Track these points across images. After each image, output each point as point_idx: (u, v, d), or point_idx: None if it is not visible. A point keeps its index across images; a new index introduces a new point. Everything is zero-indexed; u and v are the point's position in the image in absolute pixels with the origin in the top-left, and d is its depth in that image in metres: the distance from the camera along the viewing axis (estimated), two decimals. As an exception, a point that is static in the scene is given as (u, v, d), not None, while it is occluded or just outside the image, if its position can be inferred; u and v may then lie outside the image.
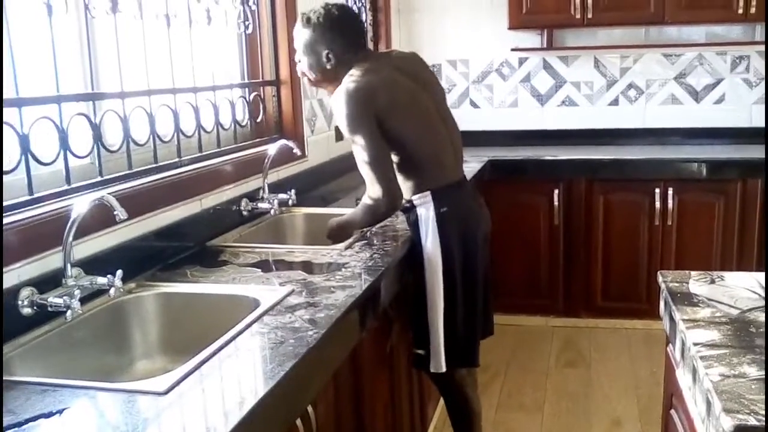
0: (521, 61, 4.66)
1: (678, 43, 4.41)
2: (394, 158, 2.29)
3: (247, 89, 2.98)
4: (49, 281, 1.66)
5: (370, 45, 4.22)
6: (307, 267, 2.11)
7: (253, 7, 2.96)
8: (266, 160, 2.70)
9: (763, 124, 4.24)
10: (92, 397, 1.31)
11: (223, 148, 2.68)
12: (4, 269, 1.55)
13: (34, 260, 1.65)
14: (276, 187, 2.79)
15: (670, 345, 1.70)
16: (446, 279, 2.29)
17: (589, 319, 4.20)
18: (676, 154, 4.15)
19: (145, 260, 2.06)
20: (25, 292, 1.61)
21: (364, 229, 2.49)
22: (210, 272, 2.07)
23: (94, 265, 1.79)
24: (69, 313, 1.61)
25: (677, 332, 1.56)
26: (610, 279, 4.15)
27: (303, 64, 2.37)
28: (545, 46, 4.52)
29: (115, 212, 1.66)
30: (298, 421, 1.49)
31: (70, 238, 1.66)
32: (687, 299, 1.66)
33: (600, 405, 3.31)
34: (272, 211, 2.71)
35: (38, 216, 1.71)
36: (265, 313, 1.70)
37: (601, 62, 4.56)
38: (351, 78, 2.23)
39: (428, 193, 2.32)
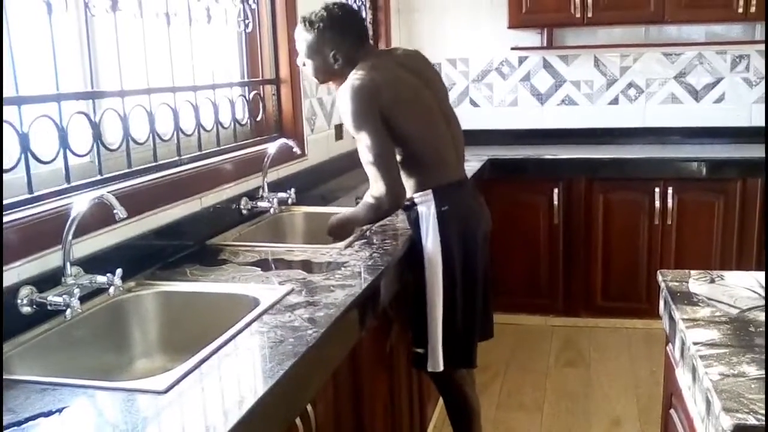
0: (521, 60, 4.66)
1: (678, 43, 4.41)
2: (397, 156, 2.28)
3: (246, 88, 2.97)
4: (49, 280, 1.66)
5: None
6: (307, 266, 2.11)
7: (253, 6, 2.96)
8: (266, 159, 2.70)
9: (763, 124, 4.24)
10: (92, 396, 1.31)
11: (222, 147, 2.68)
12: (4, 268, 1.55)
13: (33, 259, 1.65)
14: (276, 186, 2.79)
15: (670, 344, 1.70)
16: (446, 278, 2.29)
17: (589, 318, 4.20)
18: (676, 153, 4.15)
19: (144, 259, 2.06)
20: (25, 291, 1.61)
21: (365, 228, 2.49)
22: (209, 271, 2.07)
23: (93, 263, 1.79)
24: (68, 311, 1.61)
25: (677, 331, 1.56)
26: (610, 278, 4.15)
27: (308, 67, 2.36)
28: (545, 45, 4.52)
29: (115, 211, 1.66)
30: (298, 420, 1.49)
31: (70, 237, 1.66)
32: (687, 298, 1.66)
33: (600, 404, 3.31)
34: (272, 210, 2.71)
35: (38, 214, 1.71)
36: (265, 312, 1.70)
37: (601, 61, 4.56)
38: (356, 75, 2.22)
39: (429, 191, 2.31)
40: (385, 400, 2.26)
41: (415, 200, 2.33)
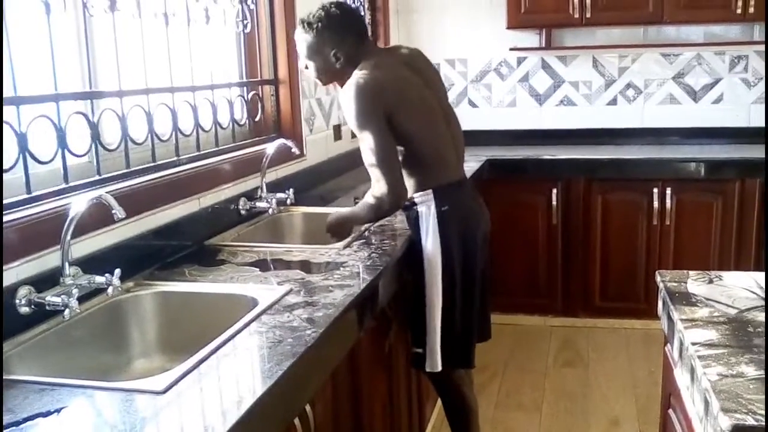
0: (520, 61, 4.66)
1: (676, 43, 4.42)
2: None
3: (245, 88, 2.97)
4: (47, 280, 1.66)
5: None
6: (306, 266, 2.11)
7: (252, 6, 2.96)
8: (264, 159, 2.70)
9: (761, 124, 4.25)
10: (90, 396, 1.31)
11: (221, 147, 2.68)
12: (3, 268, 1.55)
13: (32, 259, 1.65)
14: (274, 186, 2.79)
15: (668, 345, 1.70)
16: (445, 278, 2.29)
17: (588, 318, 4.20)
18: (675, 153, 4.15)
19: (143, 259, 2.06)
20: (23, 291, 1.60)
21: (363, 228, 2.49)
22: (208, 271, 2.07)
23: (92, 263, 1.78)
24: (67, 312, 1.61)
25: (675, 332, 1.56)
26: (609, 278, 4.15)
27: (311, 69, 2.35)
28: (544, 45, 4.52)
29: (113, 211, 1.66)
30: (296, 421, 1.49)
31: (68, 237, 1.66)
32: (685, 299, 1.66)
33: (598, 405, 3.32)
34: (270, 211, 2.71)
35: (36, 215, 1.71)
36: (263, 312, 1.69)
37: (600, 62, 4.56)
38: (360, 73, 2.21)
39: (430, 191, 2.31)
40: (383, 400, 2.26)
41: (415, 200, 2.32)
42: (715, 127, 4.44)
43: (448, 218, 2.30)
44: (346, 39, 2.28)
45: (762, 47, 4.24)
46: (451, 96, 4.68)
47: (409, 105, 2.26)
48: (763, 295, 1.66)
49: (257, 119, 3.03)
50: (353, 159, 3.80)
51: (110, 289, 1.71)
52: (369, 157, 2.20)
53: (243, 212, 2.64)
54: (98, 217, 1.79)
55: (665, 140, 4.49)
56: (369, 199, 2.25)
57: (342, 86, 2.45)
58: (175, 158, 2.39)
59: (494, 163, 4.11)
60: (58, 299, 1.61)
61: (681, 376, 1.52)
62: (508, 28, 4.34)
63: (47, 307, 1.61)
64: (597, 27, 4.39)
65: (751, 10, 3.94)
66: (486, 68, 4.72)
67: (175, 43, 2.40)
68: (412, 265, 2.32)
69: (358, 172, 3.69)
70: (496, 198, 3.82)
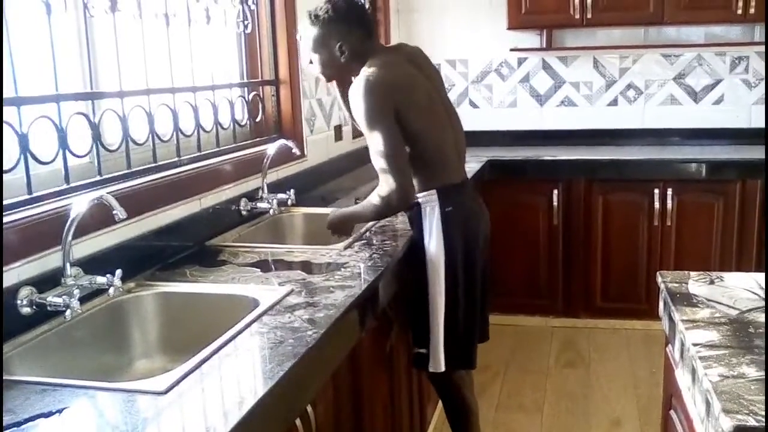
0: (520, 61, 4.66)
1: (677, 44, 4.42)
2: None
3: (246, 89, 2.97)
4: (49, 281, 1.66)
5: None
6: (307, 267, 2.11)
7: (253, 7, 2.96)
8: (265, 160, 2.70)
9: (762, 125, 4.25)
10: (91, 396, 1.31)
11: (222, 148, 2.68)
12: (4, 268, 1.55)
13: (33, 259, 1.65)
14: (275, 187, 2.79)
15: (670, 345, 1.70)
16: (448, 278, 2.29)
17: (589, 319, 4.20)
18: (675, 154, 4.15)
19: (144, 260, 2.06)
20: (25, 292, 1.61)
21: (364, 228, 2.48)
22: (209, 272, 2.07)
23: (93, 264, 1.79)
24: (68, 312, 1.61)
25: (676, 332, 1.56)
26: (610, 279, 4.15)
27: (315, 63, 2.35)
28: (544, 46, 4.52)
29: (114, 212, 1.66)
30: (298, 421, 1.49)
31: (70, 238, 1.66)
32: (686, 300, 1.66)
33: (599, 405, 3.31)
34: (271, 211, 2.71)
35: (37, 215, 1.71)
36: (265, 312, 1.70)
37: (600, 62, 4.56)
38: (371, 70, 2.20)
39: (434, 191, 2.30)
40: (384, 401, 2.26)
41: (420, 200, 2.32)
42: (715, 127, 4.44)
43: (451, 219, 2.29)
44: (353, 32, 2.27)
45: (762, 48, 4.23)
46: (452, 96, 4.68)
47: (417, 104, 2.25)
48: (764, 295, 1.66)
49: (258, 120, 3.03)
50: (354, 160, 3.82)
51: (111, 290, 1.71)
52: (378, 155, 2.19)
53: (244, 213, 2.64)
54: (99, 218, 1.79)
55: (666, 141, 4.49)
56: (375, 197, 2.24)
57: (340, 84, 2.46)
58: (176, 159, 2.39)
59: (495, 163, 4.11)
60: (59, 300, 1.61)
61: (682, 377, 1.52)
62: (509, 28, 4.34)
63: (48, 308, 1.62)
64: (598, 28, 4.39)
65: (752, 10, 3.94)
66: (487, 69, 4.72)
67: (175, 43, 2.40)
68: (413, 266, 2.32)
69: (359, 173, 3.70)
70: (497, 199, 3.82)
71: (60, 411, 1.25)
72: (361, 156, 3.77)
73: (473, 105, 4.75)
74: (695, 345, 1.40)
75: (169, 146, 2.37)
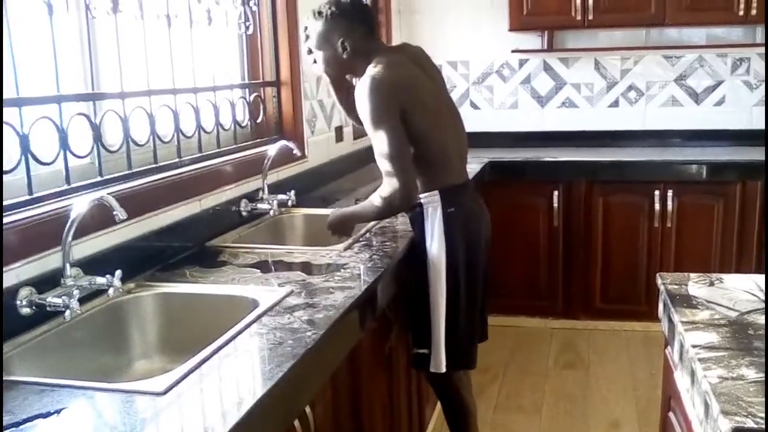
0: (521, 63, 4.66)
1: (678, 45, 4.42)
2: None
3: (247, 90, 2.98)
4: (48, 281, 1.66)
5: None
6: (306, 268, 2.11)
7: (254, 8, 2.96)
8: (266, 161, 2.70)
9: (763, 127, 4.25)
10: (90, 397, 1.31)
11: (223, 149, 2.69)
12: (3, 269, 1.55)
13: (33, 260, 1.65)
14: (275, 188, 2.79)
15: (669, 347, 1.70)
16: (449, 279, 2.29)
17: (588, 320, 4.19)
18: (676, 156, 4.15)
19: (144, 260, 2.06)
20: (24, 292, 1.61)
21: (364, 229, 2.49)
22: (209, 273, 2.07)
23: (93, 265, 1.79)
24: (68, 313, 1.61)
25: (676, 334, 1.56)
26: (609, 281, 4.15)
27: (318, 60, 2.35)
28: (546, 47, 4.52)
29: (115, 212, 1.66)
30: (296, 422, 1.50)
31: (70, 238, 1.66)
32: (686, 301, 1.66)
33: (598, 407, 3.31)
34: (272, 212, 2.71)
35: (38, 216, 1.71)
36: (264, 313, 1.70)
37: (602, 64, 4.56)
38: (376, 69, 2.19)
39: (436, 192, 2.30)
40: (383, 402, 2.26)
41: (422, 201, 2.32)
42: (716, 129, 4.44)
43: (453, 220, 2.30)
44: (355, 29, 2.28)
45: (763, 49, 4.23)
46: (453, 98, 4.63)
47: (422, 105, 2.25)
48: (764, 297, 1.66)
49: (259, 121, 3.03)
50: (355, 161, 3.82)
51: (111, 291, 1.71)
52: (382, 155, 2.18)
53: (244, 214, 2.64)
54: (99, 219, 1.80)
55: (667, 142, 4.49)
56: (376, 197, 2.24)
57: (338, 90, 2.46)
58: (177, 160, 2.39)
59: (495, 164, 4.11)
60: (59, 300, 1.61)
61: (681, 379, 1.52)
62: (510, 30, 4.34)
63: (48, 308, 1.62)
64: (599, 29, 4.39)
65: (753, 12, 3.94)
66: (488, 70, 4.72)
67: (177, 44, 2.40)
68: (414, 266, 2.32)
69: (360, 174, 3.70)
70: (498, 200, 3.82)
71: (58, 411, 1.25)
72: (362, 157, 3.80)
73: (474, 106, 4.76)
74: (694, 347, 1.40)
75: (170, 147, 2.37)
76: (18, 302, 1.59)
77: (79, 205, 1.67)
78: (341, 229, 2.41)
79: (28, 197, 1.76)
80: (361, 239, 2.41)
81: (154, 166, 2.26)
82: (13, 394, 1.31)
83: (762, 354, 1.35)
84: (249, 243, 2.43)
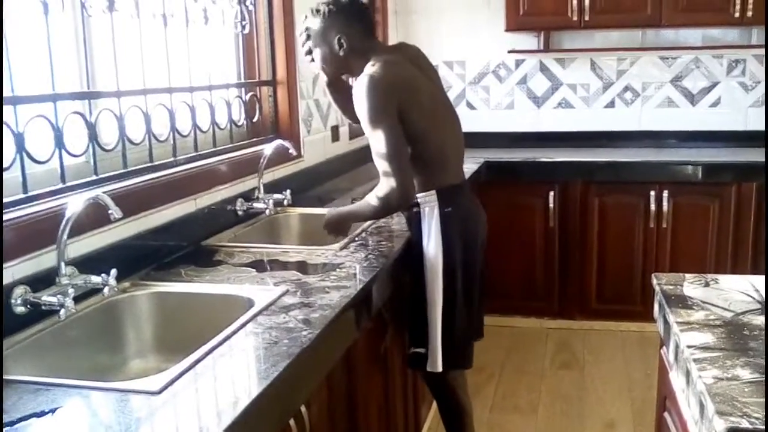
0: (518, 63, 4.67)
1: (674, 46, 4.43)
2: None
3: (243, 89, 2.97)
4: (43, 280, 1.66)
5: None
6: (302, 267, 2.11)
7: (250, 7, 2.96)
8: (262, 160, 2.70)
9: (758, 128, 4.26)
10: (85, 396, 1.31)
11: (218, 148, 2.68)
12: (-2, 267, 1.55)
13: (28, 258, 1.65)
14: (271, 187, 2.79)
15: (664, 347, 1.71)
16: (446, 279, 2.29)
17: (584, 321, 4.20)
18: (672, 156, 4.16)
19: (139, 259, 2.06)
20: (19, 291, 1.60)
21: (360, 228, 2.48)
22: (204, 272, 2.07)
23: (88, 263, 1.78)
24: (62, 311, 1.60)
25: (671, 335, 1.56)
26: (605, 281, 4.15)
27: (316, 58, 2.35)
28: (542, 48, 4.53)
29: (110, 211, 1.66)
30: (292, 421, 1.49)
31: (65, 237, 1.66)
32: (681, 302, 1.66)
33: (594, 407, 3.32)
34: (267, 211, 2.71)
35: (33, 214, 1.70)
36: (260, 313, 1.69)
37: (598, 65, 4.57)
38: (374, 68, 2.19)
39: (433, 192, 2.30)
40: (379, 402, 2.26)
41: (419, 200, 2.32)
42: (712, 130, 4.45)
43: (450, 219, 2.30)
44: (352, 26, 2.28)
45: (759, 51, 4.25)
46: (450, 98, 4.67)
47: (420, 104, 2.25)
48: (759, 298, 1.66)
49: (255, 120, 3.03)
50: (351, 160, 3.82)
51: (106, 289, 1.70)
52: (380, 154, 2.18)
53: (240, 213, 2.63)
54: (95, 217, 1.79)
55: (663, 143, 4.50)
56: (372, 197, 2.24)
57: (335, 91, 2.46)
58: (173, 159, 2.39)
59: (492, 165, 4.11)
60: (53, 299, 1.60)
61: (676, 379, 1.53)
62: (507, 30, 4.35)
63: (43, 307, 1.61)
64: (595, 30, 4.40)
65: (749, 14, 3.95)
66: (484, 70, 4.72)
67: (173, 43, 2.40)
68: (410, 266, 2.32)
69: (356, 174, 3.70)
70: (494, 200, 3.82)
71: (53, 411, 1.25)
72: (358, 157, 3.79)
73: (470, 106, 4.76)
74: (690, 347, 1.40)
75: (166, 146, 2.37)
76: (13, 301, 1.59)
77: (74, 204, 1.66)
78: (337, 228, 2.40)
79: (23, 195, 1.75)
80: (356, 239, 2.41)
81: (149, 165, 2.25)
82: (7, 393, 1.31)
83: (757, 354, 1.35)
84: (244, 242, 2.43)
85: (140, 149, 2.23)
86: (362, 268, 2.09)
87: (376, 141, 2.18)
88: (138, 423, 1.21)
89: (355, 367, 1.96)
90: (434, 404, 2.95)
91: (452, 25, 4.69)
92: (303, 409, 1.54)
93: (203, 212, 2.41)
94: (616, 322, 4.14)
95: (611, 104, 4.59)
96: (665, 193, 3.98)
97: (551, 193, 4.08)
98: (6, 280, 1.58)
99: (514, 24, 4.30)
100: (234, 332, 1.58)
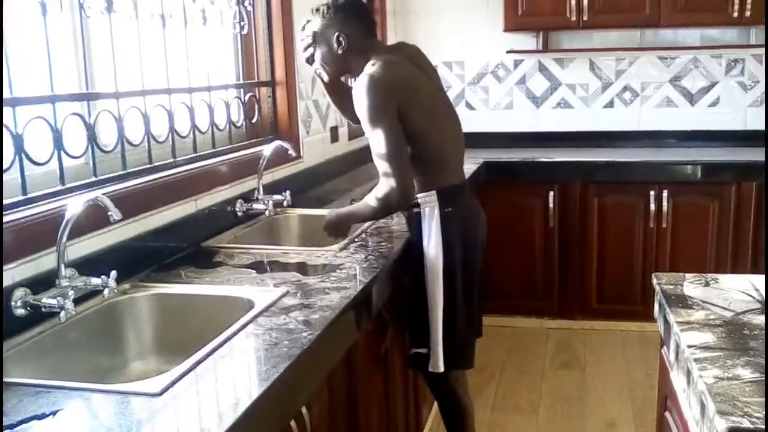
0: (517, 63, 4.67)
1: (673, 46, 4.43)
2: None
3: (242, 90, 2.97)
4: (43, 282, 1.66)
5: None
6: (302, 268, 2.11)
7: (249, 8, 2.96)
8: (261, 161, 2.70)
9: (757, 127, 4.27)
10: (86, 398, 1.31)
11: (218, 149, 2.68)
12: (-2, 270, 1.55)
13: (27, 261, 1.65)
14: (271, 188, 2.79)
15: (665, 347, 1.70)
16: (446, 279, 2.29)
17: (584, 321, 4.20)
18: (671, 156, 4.17)
19: (139, 261, 2.05)
20: (19, 293, 1.60)
21: (359, 230, 2.48)
22: (204, 273, 2.07)
23: (88, 265, 1.78)
24: (63, 314, 1.60)
25: (671, 334, 1.56)
26: (605, 281, 4.16)
27: (316, 59, 2.35)
28: (541, 48, 4.53)
29: (109, 213, 1.66)
30: (293, 423, 1.49)
31: (64, 239, 1.65)
32: (681, 301, 1.66)
33: (594, 407, 3.32)
34: (267, 212, 2.71)
35: (32, 216, 1.70)
36: (260, 314, 1.69)
37: (597, 65, 4.57)
38: (374, 68, 2.19)
39: (434, 192, 2.30)
40: (380, 403, 2.26)
41: (419, 200, 2.32)
42: (711, 130, 4.46)
43: (450, 220, 2.29)
44: (352, 25, 2.28)
45: (758, 50, 4.25)
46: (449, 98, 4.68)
47: (420, 104, 2.25)
48: (759, 297, 1.66)
49: (254, 121, 3.03)
50: (350, 161, 3.82)
51: (106, 291, 1.70)
52: (379, 154, 2.18)
53: (240, 214, 2.63)
54: (94, 219, 1.79)
55: (662, 143, 4.50)
56: (373, 196, 2.23)
57: (334, 92, 2.46)
58: (172, 160, 2.38)
59: (491, 165, 4.11)
60: (53, 301, 1.60)
61: (677, 379, 1.52)
62: (506, 30, 4.34)
63: (43, 309, 1.61)
64: (594, 30, 4.40)
65: (748, 13, 3.95)
66: (483, 71, 4.72)
67: (172, 44, 2.39)
68: (410, 266, 2.32)
69: (355, 174, 3.70)
70: (493, 200, 3.81)
71: (54, 413, 1.25)
72: (358, 157, 3.79)
73: (469, 107, 4.76)
74: (690, 347, 1.40)
75: (165, 147, 2.37)
76: (13, 303, 1.59)
77: (74, 206, 1.66)
78: (337, 229, 2.40)
79: (22, 197, 1.75)
80: (356, 240, 2.41)
81: (148, 166, 2.25)
82: (8, 396, 1.30)
83: (758, 354, 1.35)
84: (244, 243, 2.43)
85: (139, 150, 2.23)
86: (362, 268, 2.08)
87: (376, 141, 2.18)
88: (139, 425, 1.20)
89: (355, 368, 1.96)
90: (435, 405, 2.95)
91: (451, 26, 4.69)
92: (304, 410, 1.54)
93: (203, 213, 2.41)
94: (616, 322, 4.14)
95: (610, 104, 4.60)
96: (665, 193, 3.98)
97: (551, 193, 4.08)
98: (6, 282, 1.58)
99: (513, 24, 4.29)
100: (234, 334, 1.57)
